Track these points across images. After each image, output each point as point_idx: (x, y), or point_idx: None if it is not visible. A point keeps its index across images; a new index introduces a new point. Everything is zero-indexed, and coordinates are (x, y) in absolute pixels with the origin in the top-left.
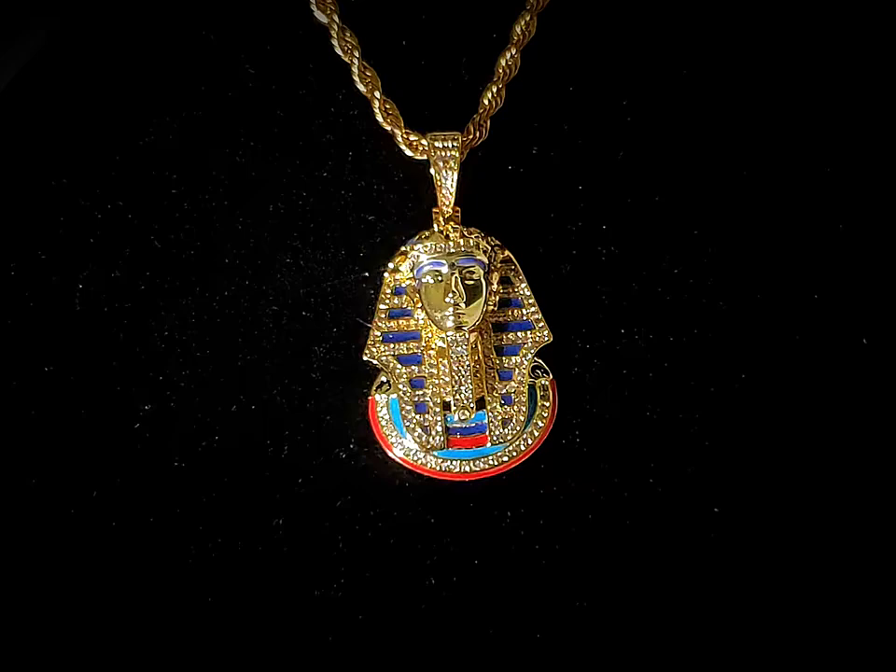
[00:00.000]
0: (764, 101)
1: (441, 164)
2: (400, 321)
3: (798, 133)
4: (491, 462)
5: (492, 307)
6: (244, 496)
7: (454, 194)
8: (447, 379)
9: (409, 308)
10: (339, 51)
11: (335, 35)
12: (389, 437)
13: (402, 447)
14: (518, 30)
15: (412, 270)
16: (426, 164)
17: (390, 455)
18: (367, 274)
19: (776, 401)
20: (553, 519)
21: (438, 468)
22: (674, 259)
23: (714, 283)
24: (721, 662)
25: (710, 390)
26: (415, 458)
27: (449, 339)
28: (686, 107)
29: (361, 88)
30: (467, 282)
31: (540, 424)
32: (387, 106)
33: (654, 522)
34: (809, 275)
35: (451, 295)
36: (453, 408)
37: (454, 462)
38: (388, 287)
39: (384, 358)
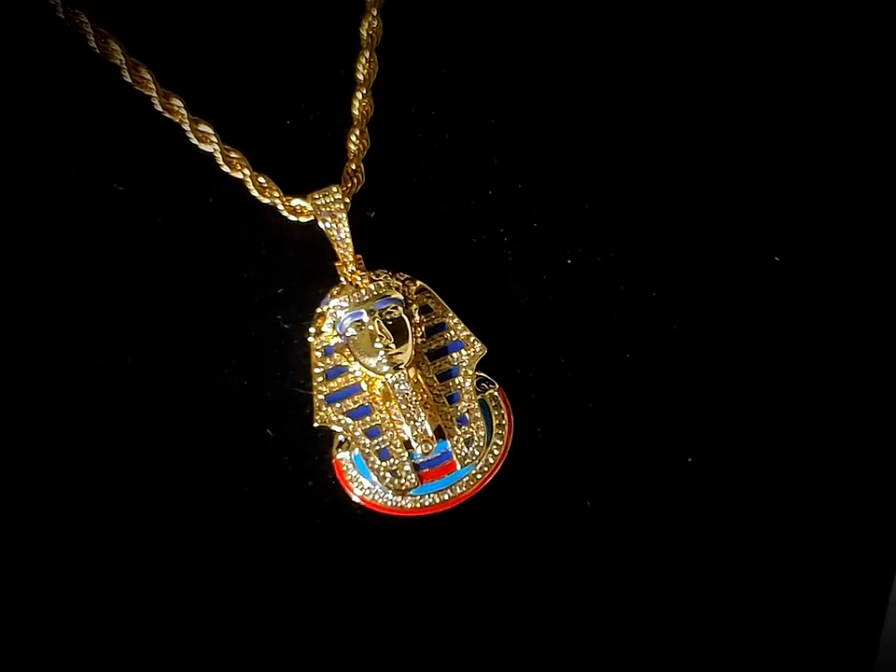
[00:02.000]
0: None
1: (329, 219)
2: (339, 379)
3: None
4: (468, 483)
5: (420, 338)
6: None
7: (350, 244)
8: (400, 418)
9: (343, 364)
10: (196, 142)
11: (189, 129)
12: (361, 490)
13: (378, 496)
14: (361, 68)
15: (334, 327)
16: (314, 223)
17: (363, 504)
18: (287, 326)
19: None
20: (542, 517)
21: (417, 505)
22: (580, 250)
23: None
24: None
25: (656, 372)
26: (393, 503)
27: (390, 381)
28: (560, 110)
29: (230, 171)
30: (389, 323)
31: (501, 433)
32: (261, 180)
33: (632, 504)
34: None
35: (378, 339)
36: (414, 444)
37: (430, 496)
38: (317, 350)
39: (335, 419)
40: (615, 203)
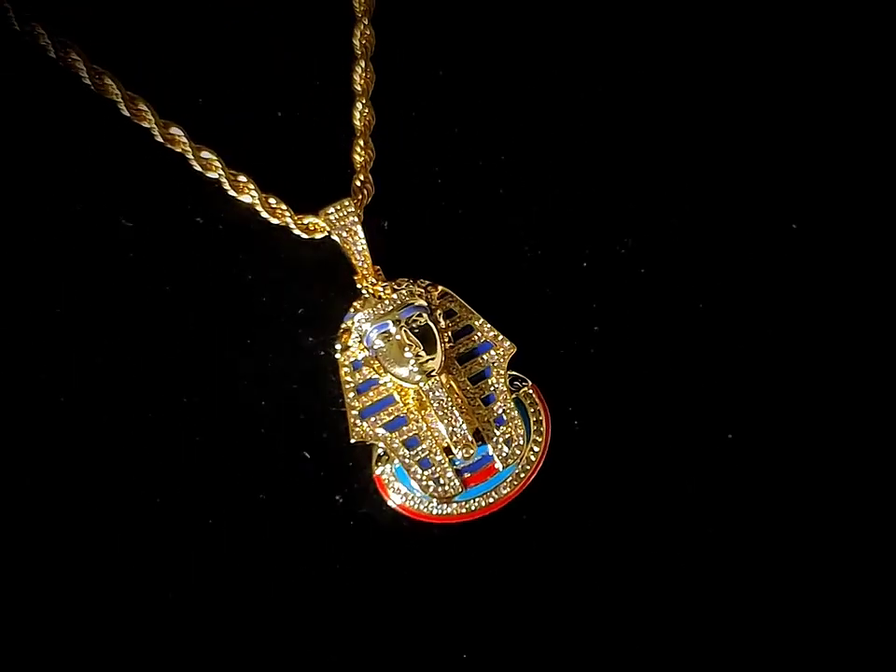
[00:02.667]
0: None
1: (344, 234)
2: (370, 393)
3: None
4: (512, 483)
5: (448, 343)
6: None
7: (368, 255)
8: (438, 426)
9: (373, 377)
10: (200, 169)
11: (192, 157)
12: (405, 501)
13: (423, 505)
14: (359, 79)
15: (361, 341)
16: (328, 239)
17: (407, 515)
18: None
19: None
20: (587, 511)
21: (464, 511)
22: (597, 240)
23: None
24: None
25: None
26: (439, 511)
27: (424, 389)
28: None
29: (237, 195)
30: (416, 331)
31: (540, 429)
32: (271, 202)
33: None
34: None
35: (407, 348)
36: (454, 450)
37: (475, 500)
38: (345, 366)
39: (371, 433)
40: (625, 192)
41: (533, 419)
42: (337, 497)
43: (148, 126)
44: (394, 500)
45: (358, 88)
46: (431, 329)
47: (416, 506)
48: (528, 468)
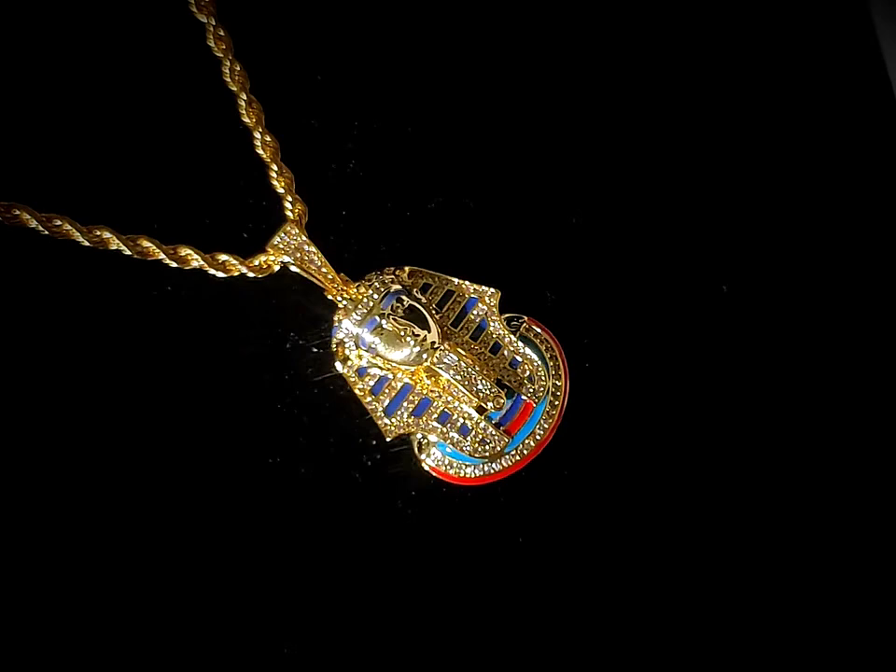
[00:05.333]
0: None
1: (298, 255)
2: (385, 390)
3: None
4: (550, 413)
5: (436, 313)
6: None
7: (329, 267)
8: (461, 392)
9: (383, 375)
10: (139, 257)
11: (126, 249)
12: (464, 472)
13: (482, 470)
14: (245, 113)
15: (357, 347)
16: (285, 268)
17: (473, 485)
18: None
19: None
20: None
21: (519, 457)
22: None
23: None
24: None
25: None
26: (500, 467)
27: (434, 363)
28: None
29: (184, 266)
30: (403, 315)
31: (554, 355)
32: (221, 258)
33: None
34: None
35: (402, 332)
36: (486, 406)
37: (526, 442)
38: (351, 377)
39: (402, 425)
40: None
41: (543, 348)
42: (400, 504)
43: (75, 238)
44: (456, 477)
45: (248, 120)
46: (416, 308)
47: (475, 472)
48: (558, 394)
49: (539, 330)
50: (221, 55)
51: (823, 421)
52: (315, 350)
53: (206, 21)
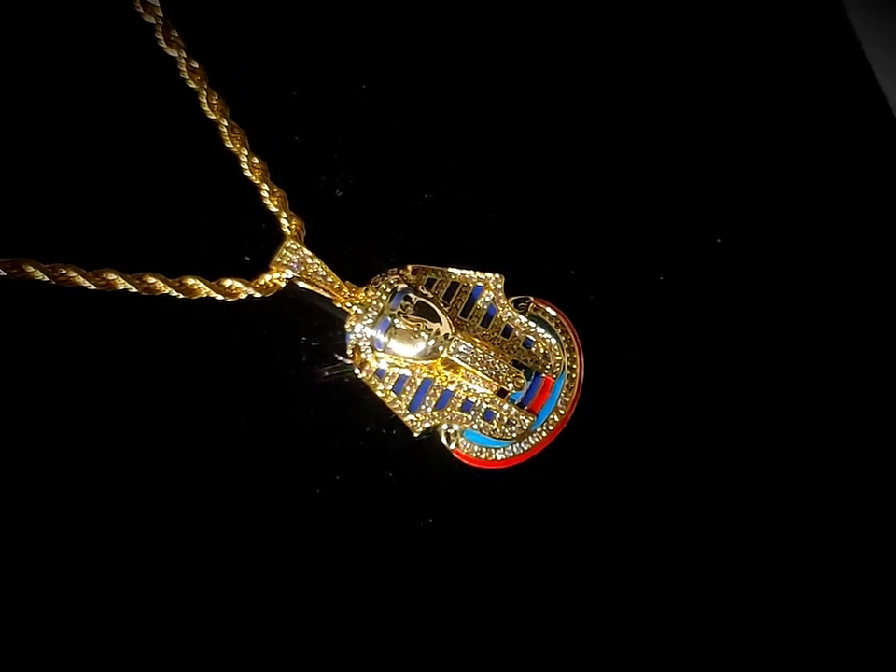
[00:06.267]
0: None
1: (300, 273)
2: (406, 388)
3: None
4: (569, 387)
5: (445, 306)
6: None
7: (335, 276)
8: (479, 377)
9: (401, 373)
10: (148, 293)
11: (136, 289)
12: (494, 455)
13: (511, 452)
14: (229, 139)
15: (373, 350)
16: (292, 283)
17: (504, 467)
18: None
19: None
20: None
21: (545, 432)
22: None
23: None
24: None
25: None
26: (518, 450)
27: (451, 354)
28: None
29: (191, 297)
30: (413, 312)
31: (565, 329)
32: (225, 284)
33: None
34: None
35: (415, 328)
36: (507, 388)
37: (551, 418)
38: (371, 380)
39: (427, 419)
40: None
41: (553, 324)
42: (427, 521)
43: (81, 284)
44: (489, 462)
45: (233, 147)
46: (424, 303)
47: (505, 454)
48: (575, 367)
49: (548, 310)
50: (197, 86)
51: (831, 419)
52: (334, 356)
53: (177, 55)
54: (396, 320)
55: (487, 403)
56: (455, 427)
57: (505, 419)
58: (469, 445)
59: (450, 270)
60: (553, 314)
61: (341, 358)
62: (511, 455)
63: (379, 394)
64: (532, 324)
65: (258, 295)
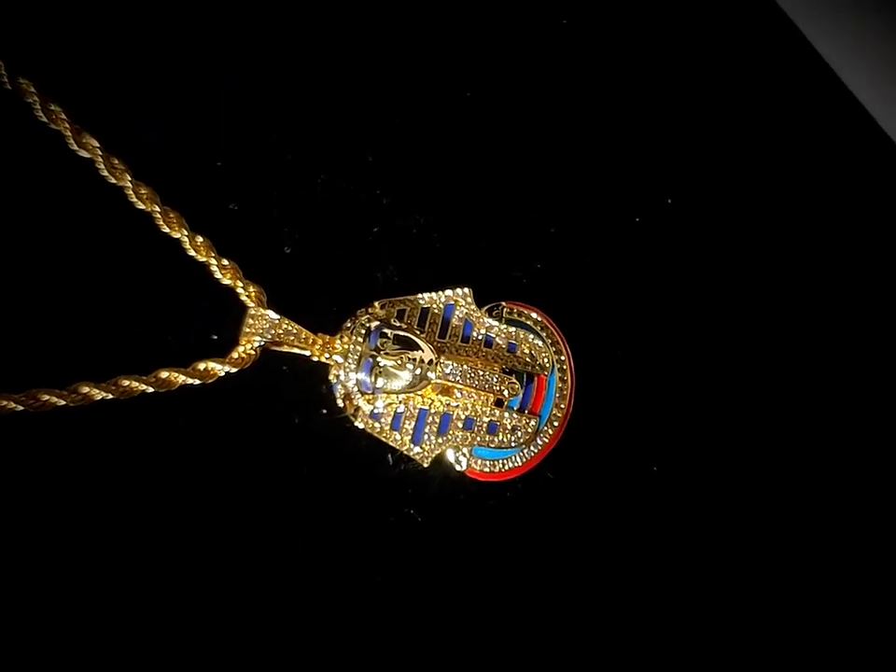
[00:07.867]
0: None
1: (271, 337)
2: (404, 424)
3: None
4: (563, 380)
5: (421, 333)
6: None
7: (307, 332)
8: (471, 393)
9: (397, 410)
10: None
11: (108, 394)
12: (504, 467)
13: (521, 460)
14: (167, 227)
15: (363, 394)
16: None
17: (519, 476)
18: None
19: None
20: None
21: (552, 430)
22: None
23: None
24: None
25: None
26: (529, 454)
27: (439, 376)
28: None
29: (170, 388)
30: (393, 346)
31: (545, 325)
32: (200, 368)
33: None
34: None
35: (399, 361)
36: (504, 394)
37: (554, 417)
38: (368, 425)
39: (433, 447)
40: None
41: (531, 323)
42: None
43: (57, 404)
44: (506, 475)
45: (170, 230)
46: (401, 335)
47: (518, 461)
48: (564, 359)
49: (523, 310)
50: (120, 181)
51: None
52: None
53: (91, 156)
54: (378, 358)
55: (488, 416)
56: (464, 448)
57: (509, 427)
58: (480, 462)
59: (417, 296)
60: (530, 313)
61: (327, 412)
62: (526, 459)
63: (381, 437)
64: (511, 328)
65: (234, 370)
